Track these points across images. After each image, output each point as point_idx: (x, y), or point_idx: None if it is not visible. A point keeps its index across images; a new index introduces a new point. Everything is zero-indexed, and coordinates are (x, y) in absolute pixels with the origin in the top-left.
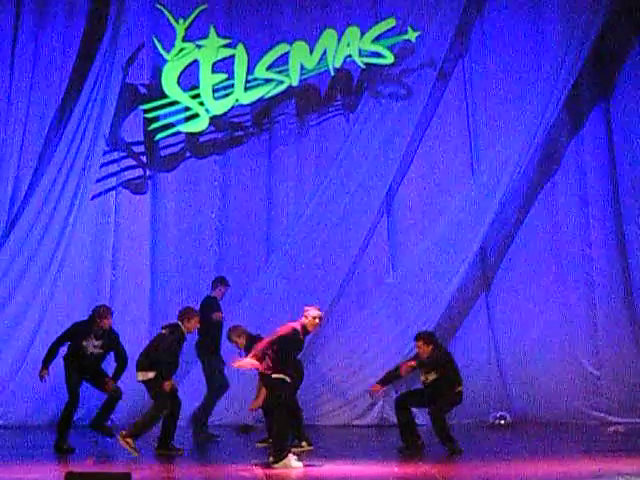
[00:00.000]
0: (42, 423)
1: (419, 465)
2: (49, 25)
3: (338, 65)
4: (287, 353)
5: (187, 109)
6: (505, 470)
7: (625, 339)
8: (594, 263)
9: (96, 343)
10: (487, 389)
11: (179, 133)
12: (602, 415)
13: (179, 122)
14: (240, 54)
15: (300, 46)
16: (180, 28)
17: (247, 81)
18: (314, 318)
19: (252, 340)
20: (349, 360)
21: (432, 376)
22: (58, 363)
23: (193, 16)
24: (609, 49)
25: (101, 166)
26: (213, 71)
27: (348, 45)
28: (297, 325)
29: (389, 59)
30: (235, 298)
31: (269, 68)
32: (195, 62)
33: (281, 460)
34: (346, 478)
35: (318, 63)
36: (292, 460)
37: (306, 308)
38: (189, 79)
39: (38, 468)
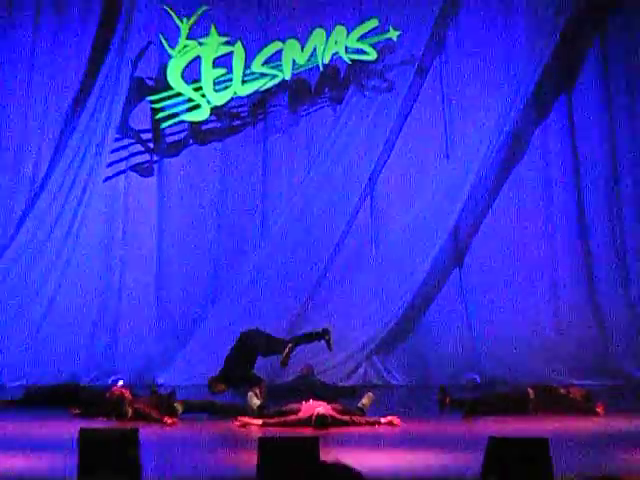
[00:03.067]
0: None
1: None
2: (66, 24)
3: (327, 61)
4: None
5: (190, 100)
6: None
7: (584, 309)
8: (556, 239)
9: None
10: (460, 354)
11: (183, 122)
12: (561, 378)
13: (183, 112)
14: (238, 51)
15: (292, 44)
16: (184, 27)
17: (244, 75)
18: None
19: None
20: (335, 329)
21: None
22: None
23: (196, 16)
24: (572, 45)
25: (112, 152)
26: (214, 66)
27: (336, 43)
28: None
29: (372, 56)
30: (231, 274)
31: (264, 63)
32: (197, 58)
33: None
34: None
35: (308, 59)
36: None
37: None
38: (192, 73)
39: (53, 424)
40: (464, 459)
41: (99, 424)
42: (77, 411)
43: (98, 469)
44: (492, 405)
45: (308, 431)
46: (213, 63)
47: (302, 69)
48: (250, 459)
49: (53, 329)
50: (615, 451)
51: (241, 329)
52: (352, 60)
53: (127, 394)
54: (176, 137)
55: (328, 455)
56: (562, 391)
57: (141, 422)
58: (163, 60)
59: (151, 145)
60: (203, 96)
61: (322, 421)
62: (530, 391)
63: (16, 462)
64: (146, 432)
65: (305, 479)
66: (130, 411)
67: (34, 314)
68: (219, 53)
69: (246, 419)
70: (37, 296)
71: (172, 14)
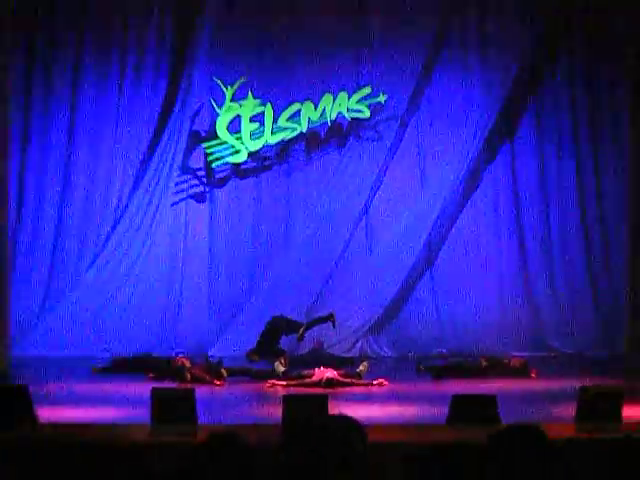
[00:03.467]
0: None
1: None
2: (142, 89)
3: (333, 118)
4: None
5: (232, 147)
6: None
7: (522, 296)
8: (501, 246)
9: None
10: (431, 333)
11: (227, 163)
12: (505, 350)
13: (227, 155)
14: (268, 110)
15: (308, 105)
16: (228, 93)
17: (273, 128)
18: None
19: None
20: (339, 314)
21: None
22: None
23: (237, 85)
24: (514, 104)
25: (176, 184)
26: (250, 121)
27: (340, 105)
28: None
29: (366, 114)
30: (264, 274)
31: (287, 119)
32: (238, 115)
33: None
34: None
35: (320, 116)
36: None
37: None
38: (234, 127)
39: (133, 385)
40: (434, 411)
41: (166, 385)
42: (151, 375)
43: (166, 418)
44: (454, 370)
45: (319, 390)
46: (250, 119)
47: (315, 124)
48: (277, 412)
49: (132, 315)
50: (545, 406)
51: (272, 314)
52: (352, 117)
53: (187, 362)
54: (222, 174)
55: (334, 409)
56: (505, 361)
57: (197, 384)
58: (213, 117)
59: (204, 180)
60: (242, 144)
61: (329, 383)
62: (482, 361)
63: (108, 412)
64: (200, 391)
65: (317, 428)
66: (189, 376)
67: (118, 305)
68: (254, 112)
69: (274, 381)
70: (120, 291)
71: (220, 83)
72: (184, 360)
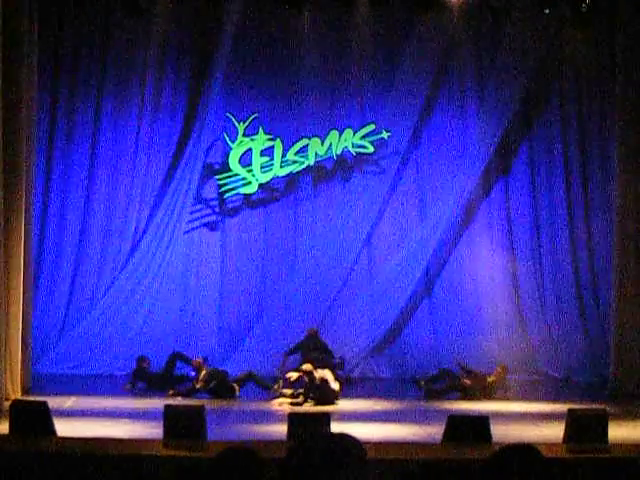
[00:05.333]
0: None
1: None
2: (160, 121)
3: (339, 153)
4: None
5: (244, 179)
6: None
7: (513, 323)
8: (495, 277)
9: None
10: (426, 356)
11: (238, 194)
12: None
13: (239, 187)
14: (278, 145)
15: (315, 140)
16: (241, 128)
17: (282, 162)
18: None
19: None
20: (343, 337)
21: None
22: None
23: (249, 121)
24: (507, 143)
25: (190, 213)
26: (261, 155)
27: (345, 140)
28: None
29: (370, 150)
30: (272, 297)
31: (296, 154)
32: (249, 149)
33: None
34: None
35: (326, 151)
36: None
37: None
38: (246, 160)
39: (143, 400)
40: (430, 430)
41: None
42: (171, 392)
43: (177, 434)
44: (444, 391)
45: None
46: (260, 153)
47: (322, 158)
48: (283, 429)
49: (148, 335)
50: (535, 426)
51: (278, 336)
52: (356, 152)
53: (202, 364)
54: (234, 204)
55: (336, 427)
56: (488, 379)
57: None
58: (226, 150)
59: (217, 209)
60: (253, 176)
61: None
62: (467, 382)
63: (124, 428)
64: (211, 407)
65: (320, 445)
66: (199, 385)
67: (135, 326)
68: (265, 146)
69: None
70: (136, 313)
71: (232, 119)
72: (200, 362)
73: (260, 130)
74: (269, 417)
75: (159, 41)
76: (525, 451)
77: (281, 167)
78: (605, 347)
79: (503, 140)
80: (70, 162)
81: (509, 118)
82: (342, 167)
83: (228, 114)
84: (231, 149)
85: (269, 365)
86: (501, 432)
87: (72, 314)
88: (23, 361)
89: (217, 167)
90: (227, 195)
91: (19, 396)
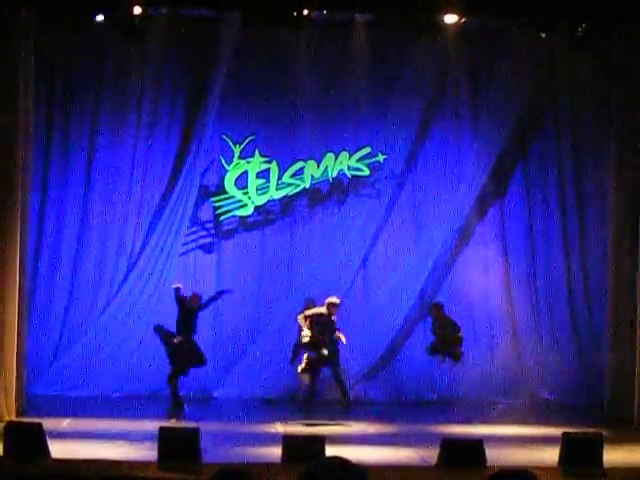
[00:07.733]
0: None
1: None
2: (156, 144)
3: (334, 175)
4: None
5: (239, 201)
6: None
7: (509, 347)
8: (491, 302)
9: None
10: (422, 380)
11: (234, 216)
12: (490, 396)
13: (234, 209)
14: (273, 167)
15: (311, 163)
16: (237, 150)
17: (277, 184)
18: (328, 303)
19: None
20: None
21: None
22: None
23: (244, 143)
24: (503, 166)
25: (186, 235)
26: (256, 177)
27: (341, 163)
28: (323, 309)
29: (366, 172)
30: (267, 319)
31: (291, 176)
32: (245, 172)
33: None
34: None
35: (322, 174)
36: None
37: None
38: (241, 182)
39: (138, 422)
40: (424, 454)
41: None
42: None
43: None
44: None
45: None
46: (256, 175)
47: (317, 181)
48: (278, 451)
49: (143, 357)
50: (530, 450)
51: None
52: (352, 175)
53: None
54: (230, 226)
55: (331, 451)
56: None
57: None
58: (222, 173)
59: (213, 231)
60: (249, 198)
61: None
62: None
63: (118, 449)
64: (205, 429)
65: (314, 469)
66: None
67: (130, 348)
68: (260, 168)
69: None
70: (132, 334)
71: (229, 141)
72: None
73: (256, 152)
74: (264, 439)
75: (155, 63)
76: (520, 475)
77: (277, 189)
78: (600, 370)
79: (498, 163)
80: (65, 184)
81: (504, 141)
82: (338, 190)
83: (224, 136)
84: (227, 171)
85: (262, 389)
86: (495, 456)
87: (67, 335)
88: (18, 382)
89: (213, 189)
90: (223, 217)
91: (14, 417)
